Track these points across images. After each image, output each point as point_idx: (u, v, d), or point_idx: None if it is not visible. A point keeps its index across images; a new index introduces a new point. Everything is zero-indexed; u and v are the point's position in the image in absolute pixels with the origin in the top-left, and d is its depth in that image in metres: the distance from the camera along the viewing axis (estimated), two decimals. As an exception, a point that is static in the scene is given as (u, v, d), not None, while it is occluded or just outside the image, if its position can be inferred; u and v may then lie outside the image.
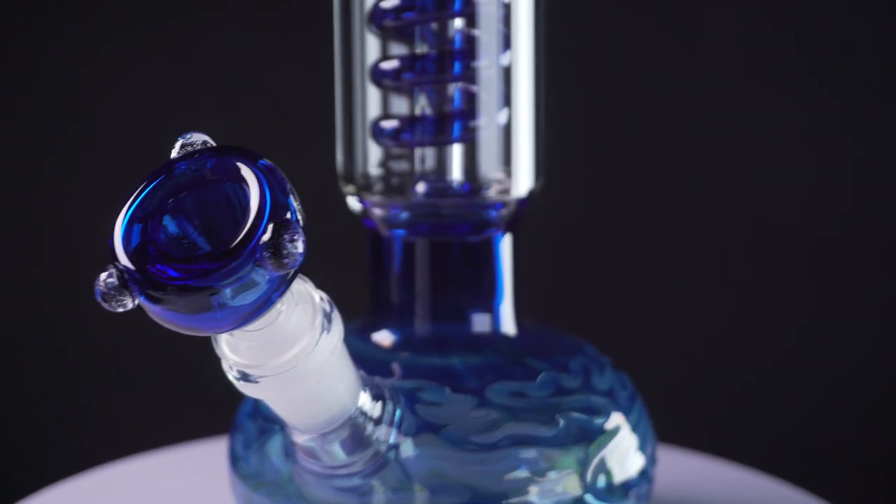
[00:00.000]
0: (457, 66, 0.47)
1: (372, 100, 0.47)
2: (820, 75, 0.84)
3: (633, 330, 0.87)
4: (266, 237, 0.32)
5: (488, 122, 0.47)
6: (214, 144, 0.35)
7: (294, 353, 0.37)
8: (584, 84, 0.84)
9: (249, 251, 0.32)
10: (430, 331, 0.47)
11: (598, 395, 0.46)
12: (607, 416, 0.46)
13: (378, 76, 0.47)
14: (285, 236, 0.32)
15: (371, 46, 0.47)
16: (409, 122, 0.47)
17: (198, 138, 0.35)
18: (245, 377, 0.37)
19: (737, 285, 0.87)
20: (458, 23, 0.46)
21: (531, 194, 0.48)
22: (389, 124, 0.47)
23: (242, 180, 0.34)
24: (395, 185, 0.47)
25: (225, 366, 0.38)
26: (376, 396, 0.41)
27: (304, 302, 0.37)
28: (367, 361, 0.46)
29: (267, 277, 0.33)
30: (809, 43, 0.84)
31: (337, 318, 0.38)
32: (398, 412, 0.42)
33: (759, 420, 0.88)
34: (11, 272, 0.89)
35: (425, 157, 0.47)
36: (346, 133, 0.48)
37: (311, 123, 0.73)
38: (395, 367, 0.46)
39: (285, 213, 0.33)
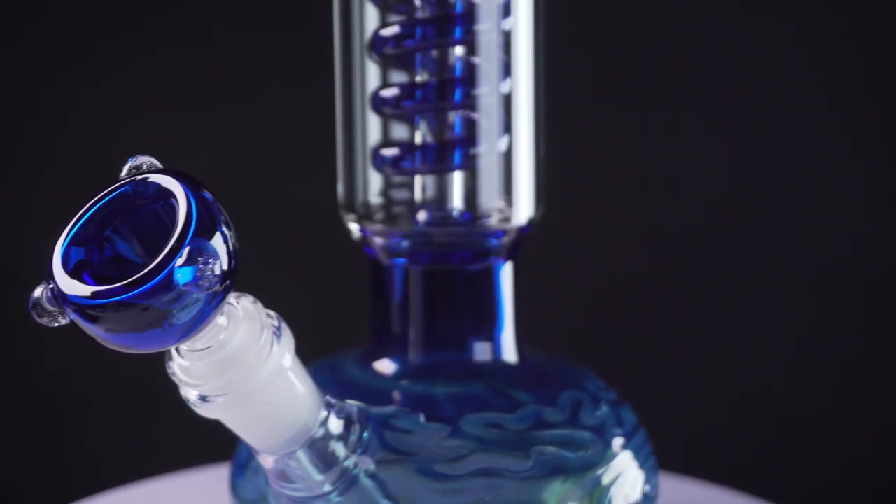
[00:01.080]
0: (457, 94, 0.47)
1: (372, 128, 0.47)
2: (820, 76, 0.84)
3: (635, 355, 0.87)
4: (182, 261, 0.34)
5: (489, 149, 0.47)
6: (161, 167, 0.37)
7: (243, 369, 0.38)
8: (583, 110, 0.84)
9: (166, 274, 0.34)
10: (431, 359, 0.47)
11: (584, 430, 0.46)
12: (589, 452, 0.45)
13: (378, 104, 0.47)
14: (200, 259, 0.34)
15: (371, 74, 0.47)
16: (410, 149, 0.47)
17: (144, 161, 0.37)
18: (202, 399, 0.38)
19: (739, 309, 0.87)
20: (459, 51, 0.46)
21: (532, 222, 0.48)
22: (390, 152, 0.47)
23: (176, 205, 0.35)
24: (395, 213, 0.47)
25: (182, 392, 0.39)
26: (341, 417, 0.42)
27: (250, 319, 0.38)
28: (367, 390, 0.46)
29: (202, 296, 0.35)
30: (810, 43, 0.84)
31: (287, 334, 0.39)
32: (365, 435, 0.42)
33: (762, 446, 0.88)
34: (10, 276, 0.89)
35: (426, 185, 0.47)
36: (347, 161, 0.48)
37: (312, 152, 0.73)
38: (394, 395, 0.46)
39: (210, 238, 0.35)
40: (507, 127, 0.47)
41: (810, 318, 0.87)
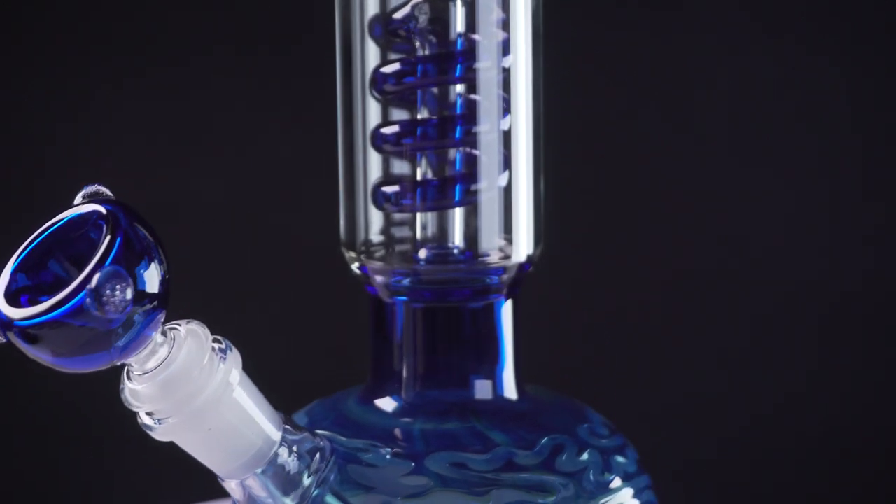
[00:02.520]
0: (458, 131, 0.47)
1: (373, 165, 0.47)
2: (824, 85, 0.84)
3: (638, 390, 0.87)
4: (92, 284, 0.36)
5: (489, 186, 0.47)
6: (110, 196, 0.39)
7: (189, 388, 0.39)
8: (583, 144, 0.84)
9: (81, 297, 0.36)
10: (431, 397, 0.47)
11: (556, 475, 0.45)
12: (557, 498, 0.45)
13: (379, 141, 0.47)
14: (107, 285, 0.36)
15: (372, 111, 0.47)
16: (411, 186, 0.47)
17: (94, 189, 0.39)
18: (157, 422, 0.40)
19: (742, 345, 0.87)
20: (459, 88, 0.47)
21: (531, 259, 0.48)
22: (390, 189, 0.47)
23: (104, 232, 0.37)
24: (396, 251, 0.48)
25: (139, 419, 0.40)
26: (302, 442, 0.42)
27: (195, 339, 0.40)
28: (357, 425, 0.46)
29: (143, 317, 0.37)
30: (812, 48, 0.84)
31: (234, 355, 0.40)
32: (329, 463, 0.43)
33: (762, 482, 0.88)
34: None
35: (426, 223, 0.47)
36: (348, 199, 0.48)
37: (313, 188, 0.73)
38: (371, 429, 0.46)
39: (133, 266, 0.37)
40: (507, 164, 0.47)
41: (812, 357, 0.87)
